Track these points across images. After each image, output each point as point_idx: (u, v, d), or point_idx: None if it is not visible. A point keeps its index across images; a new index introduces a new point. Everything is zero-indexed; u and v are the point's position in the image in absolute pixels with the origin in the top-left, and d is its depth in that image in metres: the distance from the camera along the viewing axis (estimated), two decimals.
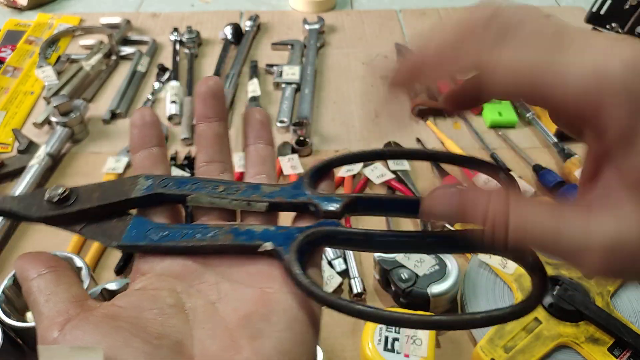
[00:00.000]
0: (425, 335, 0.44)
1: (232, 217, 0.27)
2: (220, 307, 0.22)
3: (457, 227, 0.49)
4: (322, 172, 0.27)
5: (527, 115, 0.73)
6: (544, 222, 0.18)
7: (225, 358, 0.21)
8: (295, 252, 0.22)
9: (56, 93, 0.75)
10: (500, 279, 0.51)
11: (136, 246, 0.24)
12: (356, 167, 0.64)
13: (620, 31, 0.85)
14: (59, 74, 0.80)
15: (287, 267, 0.22)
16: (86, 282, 0.49)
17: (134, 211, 0.25)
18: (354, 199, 0.25)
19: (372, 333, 0.44)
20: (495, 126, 0.74)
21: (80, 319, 0.21)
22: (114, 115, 0.75)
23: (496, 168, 0.25)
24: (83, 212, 0.24)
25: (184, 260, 0.24)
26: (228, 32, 0.89)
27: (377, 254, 0.52)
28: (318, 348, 0.45)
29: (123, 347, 0.20)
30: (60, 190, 0.24)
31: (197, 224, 0.25)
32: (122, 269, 0.55)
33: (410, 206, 0.25)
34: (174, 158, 0.68)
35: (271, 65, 0.84)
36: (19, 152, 0.68)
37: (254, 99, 0.77)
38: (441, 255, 0.51)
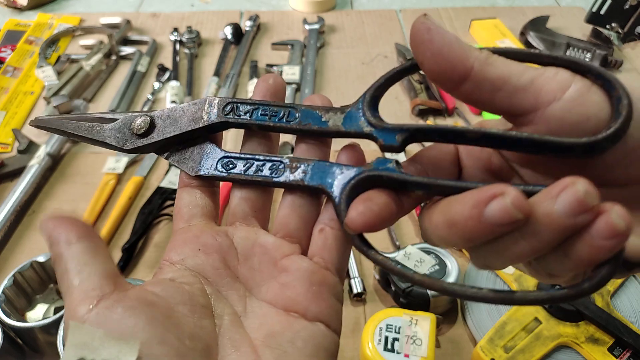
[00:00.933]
0: (425, 335, 0.44)
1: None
2: (245, 321, 0.22)
3: None
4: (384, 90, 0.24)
5: None
6: None
7: None
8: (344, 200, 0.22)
9: (56, 93, 0.75)
10: (500, 278, 0.51)
11: (213, 177, 0.25)
12: None
13: (620, 31, 0.85)
14: (59, 74, 0.80)
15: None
16: None
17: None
18: (414, 131, 0.23)
19: (372, 333, 0.44)
20: None
21: (115, 300, 0.20)
22: None
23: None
24: (166, 141, 0.26)
25: (215, 262, 0.23)
26: (228, 32, 0.89)
27: None
28: None
29: (158, 344, 0.19)
30: (144, 127, 0.26)
31: (258, 155, 0.25)
32: (123, 269, 0.55)
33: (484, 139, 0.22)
34: None
35: (271, 65, 0.84)
36: (19, 152, 0.68)
37: None
38: (441, 255, 0.51)
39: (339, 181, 0.23)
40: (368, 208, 0.21)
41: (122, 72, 0.83)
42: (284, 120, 0.25)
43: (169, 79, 0.81)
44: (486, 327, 0.47)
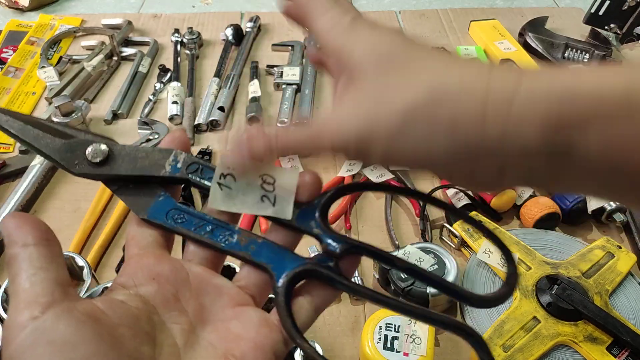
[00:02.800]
0: (424, 334, 0.44)
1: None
2: (183, 356, 0.22)
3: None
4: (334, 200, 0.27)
5: None
6: (301, 130, 0.25)
7: None
8: (284, 296, 0.24)
9: (58, 94, 0.76)
10: (498, 277, 0.52)
11: (158, 224, 0.25)
12: (356, 167, 0.65)
13: (618, 32, 0.86)
14: (60, 74, 0.80)
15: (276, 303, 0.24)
16: (88, 281, 0.49)
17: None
18: (356, 245, 0.26)
19: (372, 332, 0.44)
20: None
21: (64, 309, 0.20)
22: (115, 116, 0.75)
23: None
24: (118, 177, 0.26)
25: (167, 293, 0.23)
26: (229, 33, 0.90)
27: None
28: (317, 346, 0.45)
29: (100, 359, 0.19)
30: (100, 156, 0.26)
31: (212, 219, 0.25)
32: None
33: (404, 269, 0.26)
34: None
35: (272, 66, 0.84)
36: (21, 152, 0.68)
37: (254, 100, 0.77)
38: (440, 255, 0.52)
39: (283, 266, 0.24)
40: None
41: (124, 73, 0.84)
42: None
43: (170, 80, 0.82)
44: (485, 326, 0.47)
